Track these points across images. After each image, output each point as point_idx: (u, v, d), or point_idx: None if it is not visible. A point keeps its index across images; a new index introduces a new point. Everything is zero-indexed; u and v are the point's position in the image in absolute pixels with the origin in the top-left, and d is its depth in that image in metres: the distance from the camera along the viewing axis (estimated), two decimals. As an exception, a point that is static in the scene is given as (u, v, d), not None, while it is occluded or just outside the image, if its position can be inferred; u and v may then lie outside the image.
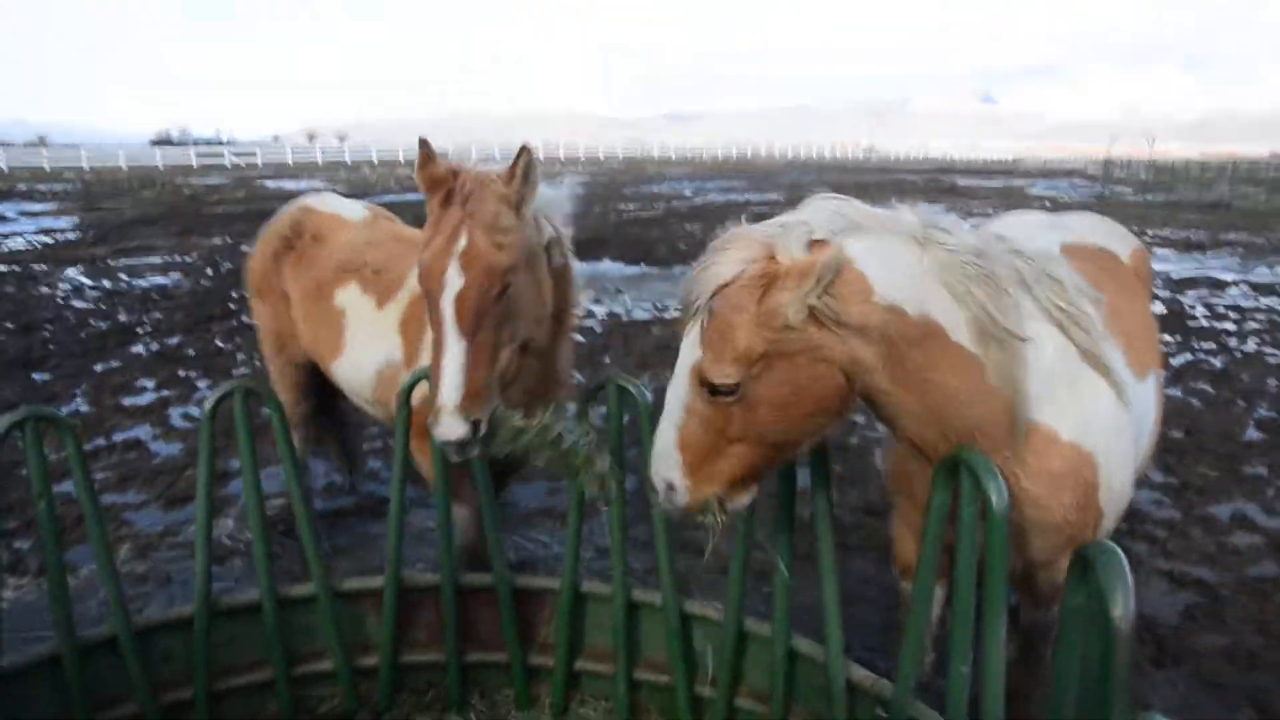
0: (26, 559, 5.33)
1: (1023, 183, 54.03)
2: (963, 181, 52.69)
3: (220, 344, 10.75)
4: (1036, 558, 2.77)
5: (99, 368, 9.65)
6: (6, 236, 21.73)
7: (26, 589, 5.04)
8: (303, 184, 44.36)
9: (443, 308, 2.84)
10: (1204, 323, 12.56)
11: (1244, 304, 14.03)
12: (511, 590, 3.66)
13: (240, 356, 10.18)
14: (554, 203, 3.36)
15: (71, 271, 16.23)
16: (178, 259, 17.95)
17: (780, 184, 46.05)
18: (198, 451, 3.39)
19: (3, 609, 3.81)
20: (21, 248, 19.67)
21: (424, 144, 3.04)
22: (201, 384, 9.10)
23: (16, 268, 16.44)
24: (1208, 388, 9.25)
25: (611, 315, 12.45)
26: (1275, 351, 10.84)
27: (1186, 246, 21.82)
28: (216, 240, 21.04)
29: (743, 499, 2.53)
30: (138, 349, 10.54)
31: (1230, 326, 12.31)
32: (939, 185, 45.15)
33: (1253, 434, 7.78)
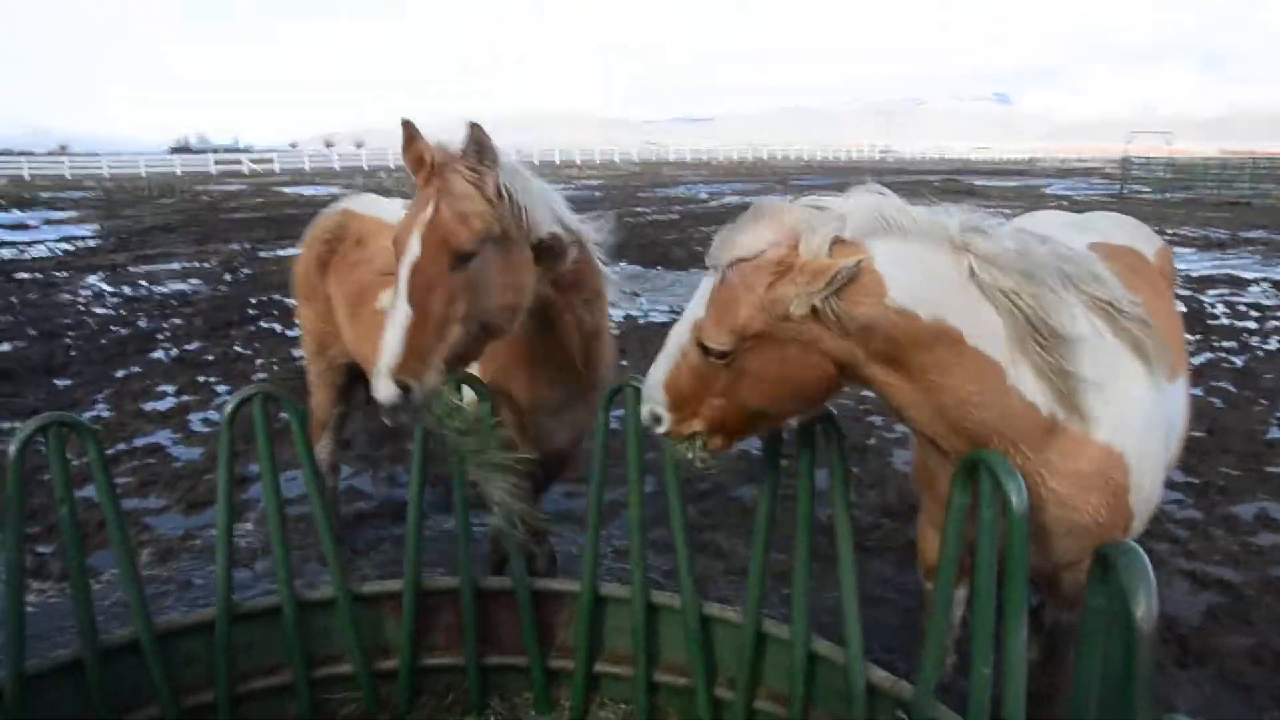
0: (49, 563, 5.38)
1: (1039, 182, 53.77)
2: (979, 182, 52.44)
3: (239, 349, 10.82)
4: (1064, 559, 2.75)
5: (120, 373, 9.73)
6: (29, 244, 21.94)
7: (50, 593, 5.09)
8: (320, 190, 44.58)
9: (399, 274, 2.85)
10: (1225, 321, 12.45)
11: (1265, 302, 13.90)
12: (531, 593, 3.66)
13: (259, 362, 10.23)
14: (546, 195, 3.26)
15: (92, 278, 16.37)
16: (197, 265, 18.07)
17: (796, 186, 45.97)
18: (218, 456, 3.41)
19: (26, 613, 3.83)
20: (44, 255, 19.86)
21: (407, 125, 3.06)
22: (221, 389, 9.15)
23: (39, 275, 16.59)
24: (1229, 386, 9.17)
25: (628, 318, 12.47)
26: (1298, 350, 10.73)
27: (1207, 245, 21.67)
28: (235, 246, 21.16)
29: (719, 445, 2.62)
30: (158, 355, 10.62)
31: (1252, 325, 12.20)
32: (956, 186, 44.93)
33: (1275, 433, 7.72)
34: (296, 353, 10.61)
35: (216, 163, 71.93)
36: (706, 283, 2.47)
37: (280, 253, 20.05)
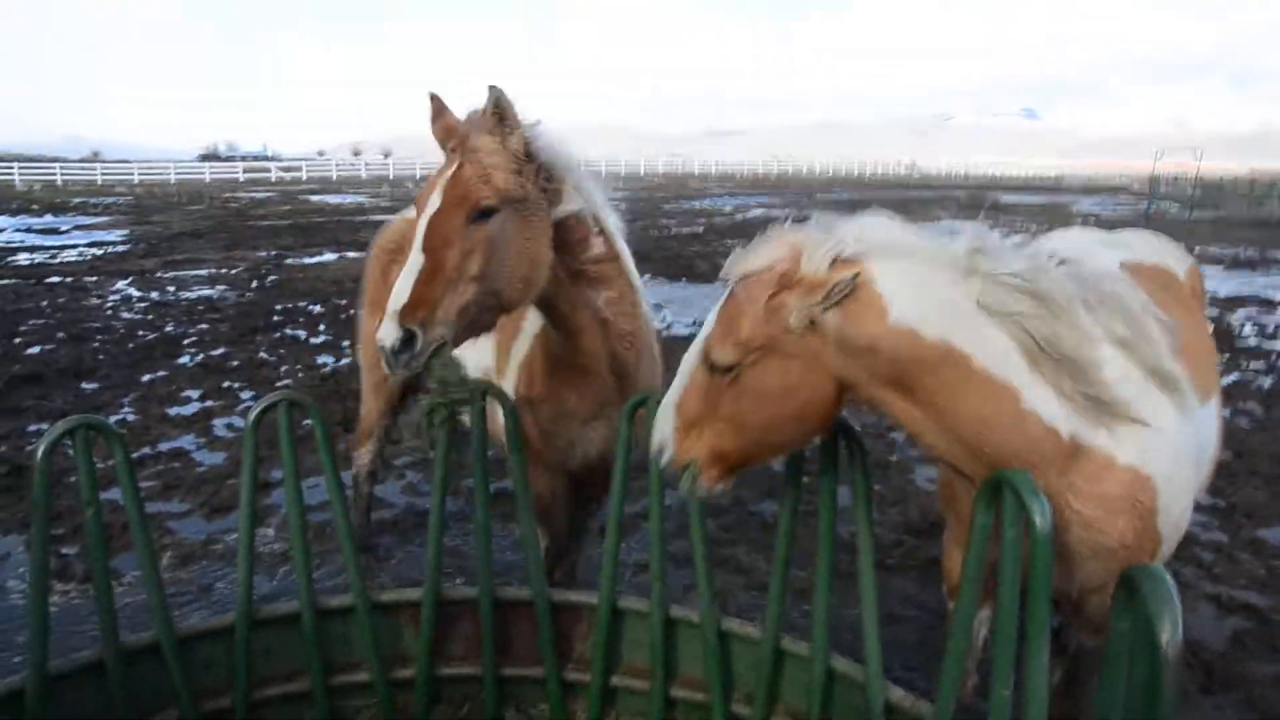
0: (73, 564, 5.44)
1: (1067, 199, 53.45)
2: (1006, 198, 52.20)
3: (265, 355, 10.90)
4: (1089, 582, 2.71)
5: (146, 378, 9.82)
6: (60, 249, 22.24)
7: (72, 594, 5.13)
8: (346, 198, 44.94)
9: (417, 228, 2.87)
10: (1253, 342, 12.32)
11: (1295, 323, 13.75)
12: (549, 605, 3.66)
13: (284, 368, 10.31)
14: (579, 175, 3.26)
15: (121, 283, 16.56)
16: (224, 272, 18.25)
17: (821, 200, 45.90)
18: (241, 461, 3.43)
19: (50, 614, 3.87)
20: (74, 260, 20.12)
21: (434, 98, 3.10)
22: (245, 395, 9.22)
23: (69, 279, 16.80)
24: (1257, 408, 9.06)
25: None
26: (1328, 372, 10.59)
27: (1235, 264, 21.45)
28: (262, 253, 21.36)
29: (716, 480, 2.60)
30: (184, 360, 10.71)
31: (1280, 346, 12.07)
32: (981, 201, 44.71)
33: (1305, 456, 7.61)
34: (321, 359, 10.70)
35: (245, 171, 72.68)
36: (715, 308, 2.51)
37: (307, 260, 20.23)
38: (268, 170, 74.34)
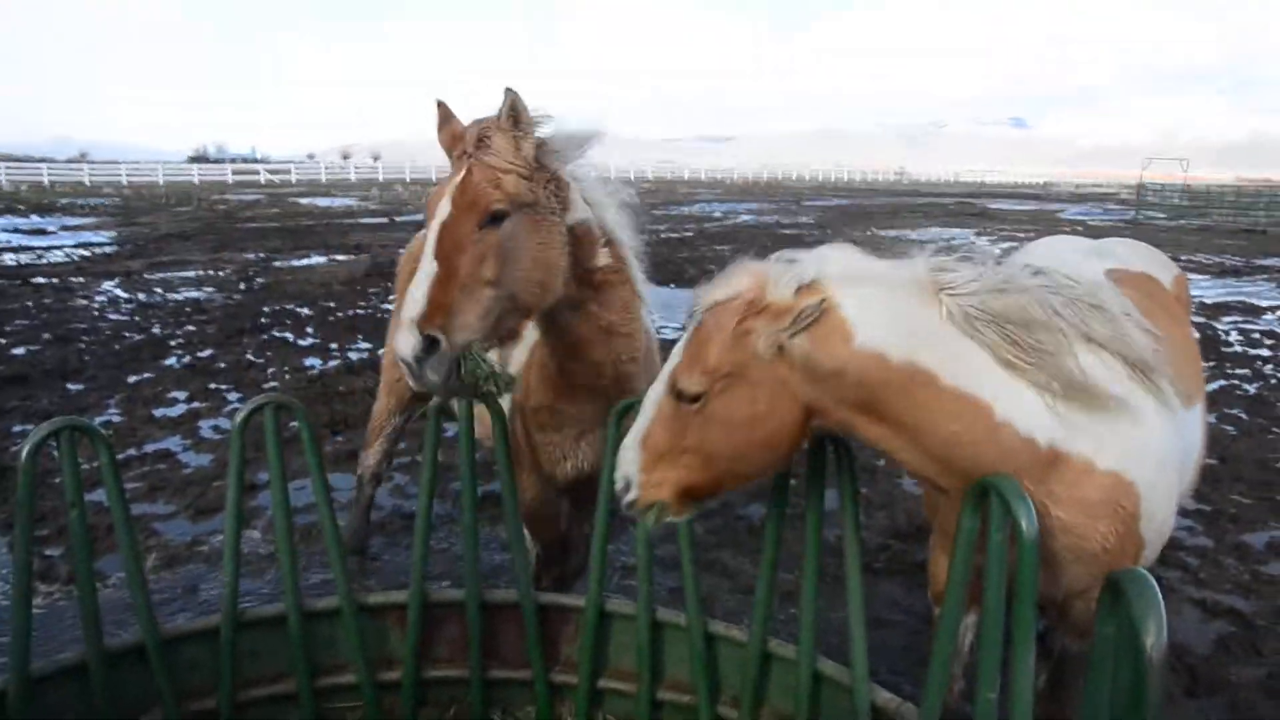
0: (57, 566, 5.41)
1: (1055, 207, 53.71)
2: (994, 205, 52.41)
3: (252, 357, 10.86)
4: (1073, 587, 2.73)
5: (132, 379, 9.78)
6: (46, 249, 22.12)
7: (56, 596, 5.10)
8: (335, 201, 44.85)
9: (428, 236, 2.83)
10: (1238, 348, 12.40)
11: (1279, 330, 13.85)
12: (536, 607, 3.65)
13: (271, 370, 10.27)
14: (592, 182, 3.27)
15: (108, 284, 16.49)
16: (211, 273, 18.19)
17: (811, 206, 46.00)
18: (228, 463, 3.42)
19: (33, 616, 3.85)
20: (61, 260, 20.02)
21: (441, 105, 3.10)
22: (232, 397, 9.19)
23: (55, 280, 16.72)
24: (1242, 414, 9.13)
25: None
26: (1313, 379, 10.67)
27: (1221, 272, 21.60)
28: (250, 255, 21.30)
29: (681, 513, 2.61)
30: (170, 361, 10.67)
31: (1265, 352, 12.16)
32: (970, 209, 44.91)
33: (1289, 462, 7.66)
34: (308, 362, 10.67)
35: (234, 173, 72.46)
36: (681, 340, 2.51)
37: (295, 263, 20.19)
38: (256, 173, 74.11)
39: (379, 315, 13.61)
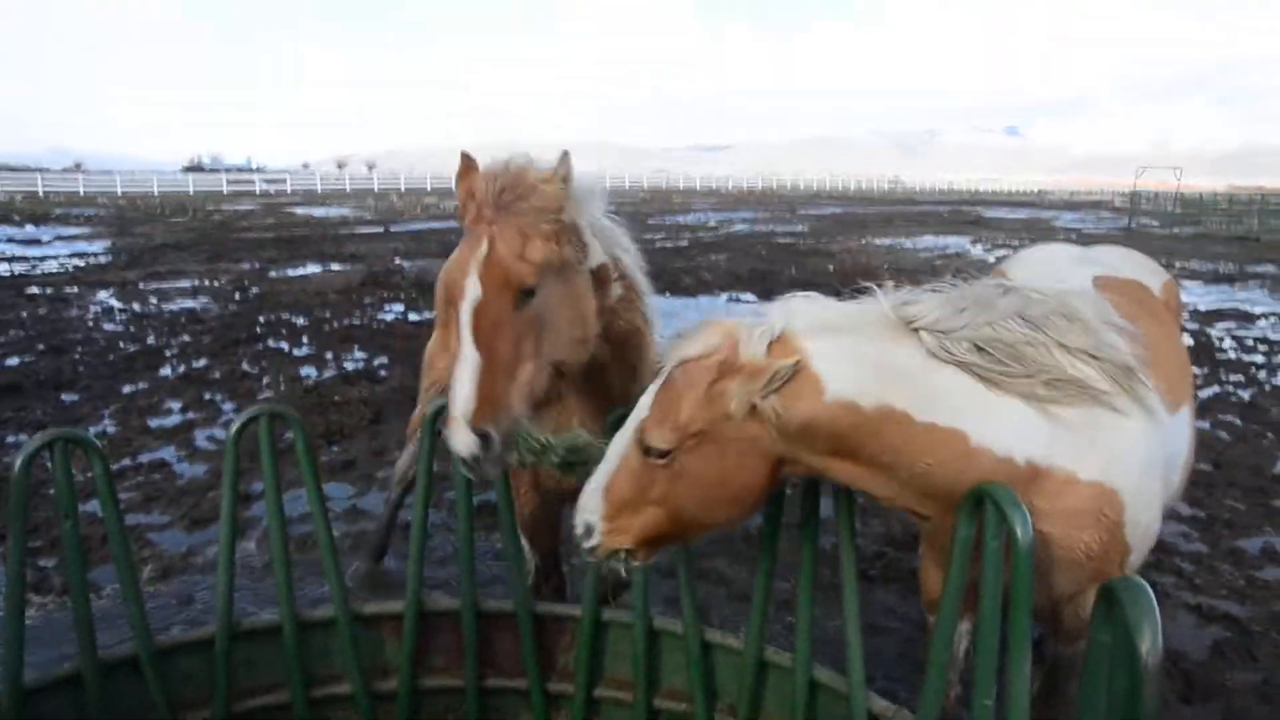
0: (51, 577, 5.39)
1: (1049, 215, 53.87)
2: (988, 213, 52.54)
3: (246, 368, 10.84)
4: (1061, 593, 2.74)
5: (127, 389, 9.76)
6: (41, 259, 22.10)
7: (50, 607, 5.08)
8: (331, 211, 44.86)
9: (461, 318, 2.74)
10: (1232, 355, 12.44)
11: (1273, 337, 13.90)
12: (532, 616, 3.65)
13: (266, 380, 10.26)
14: (609, 232, 3.25)
15: (102, 294, 16.46)
16: (206, 283, 18.15)
17: (805, 215, 46.09)
18: (222, 474, 3.41)
19: (27, 627, 3.85)
20: (55, 270, 19.99)
21: (465, 156, 2.95)
22: (227, 407, 9.17)
23: (49, 290, 16.68)
24: (1236, 420, 9.15)
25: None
26: (1306, 385, 10.70)
27: (1214, 279, 21.67)
28: (245, 265, 21.29)
29: (644, 559, 2.63)
30: (165, 371, 10.65)
31: (1259, 359, 12.19)
32: (965, 217, 45.01)
33: (1283, 468, 7.68)
34: (304, 372, 10.66)
35: (229, 182, 72.47)
36: (652, 387, 2.51)
37: (290, 273, 20.17)
38: (252, 182, 74.11)
39: (374, 325, 13.61)
